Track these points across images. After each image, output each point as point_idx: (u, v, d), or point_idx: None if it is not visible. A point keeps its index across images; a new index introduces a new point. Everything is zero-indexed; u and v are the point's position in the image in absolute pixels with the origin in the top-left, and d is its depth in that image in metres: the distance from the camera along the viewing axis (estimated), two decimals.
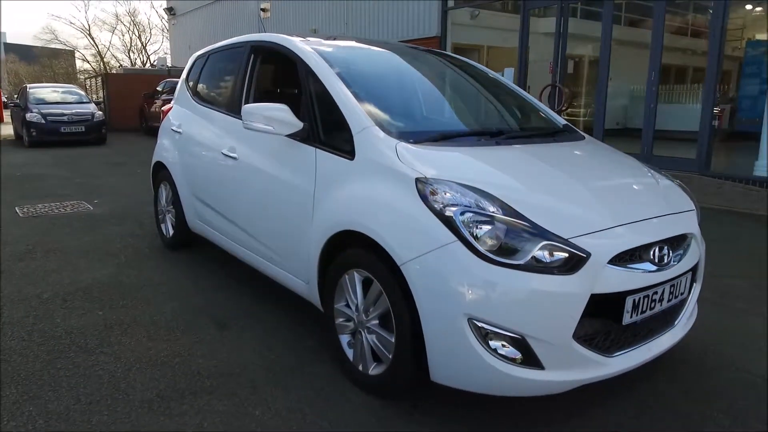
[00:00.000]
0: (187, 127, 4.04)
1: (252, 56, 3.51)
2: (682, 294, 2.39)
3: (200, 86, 4.15)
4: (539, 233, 2.00)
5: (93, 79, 23.75)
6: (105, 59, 41.31)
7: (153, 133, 15.49)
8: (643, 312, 2.17)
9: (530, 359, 2.00)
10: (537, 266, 1.97)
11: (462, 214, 2.04)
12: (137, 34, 50.15)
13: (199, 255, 4.29)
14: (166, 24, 29.44)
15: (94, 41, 49.94)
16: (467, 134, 2.70)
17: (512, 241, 2.00)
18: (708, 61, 7.18)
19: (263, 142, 3.07)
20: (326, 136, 2.69)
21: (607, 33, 8.36)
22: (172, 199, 4.29)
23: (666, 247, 2.25)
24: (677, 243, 2.34)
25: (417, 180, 2.18)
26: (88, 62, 42.73)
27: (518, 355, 2.00)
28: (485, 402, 2.24)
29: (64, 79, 36.28)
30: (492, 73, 3.66)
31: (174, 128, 4.20)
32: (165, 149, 4.37)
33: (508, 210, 2.05)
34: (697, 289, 2.55)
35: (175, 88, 14.08)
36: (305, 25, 14.60)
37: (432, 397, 2.36)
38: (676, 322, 2.43)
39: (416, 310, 2.10)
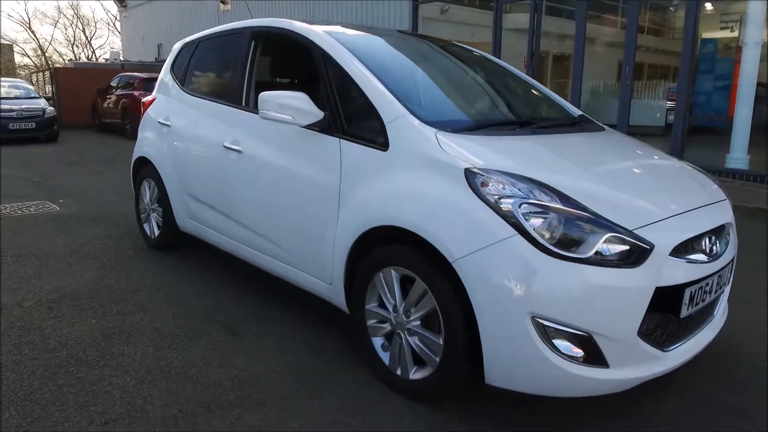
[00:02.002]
0: (178, 119, 3.77)
1: (253, 43, 3.29)
2: (725, 285, 2.36)
3: (191, 76, 3.88)
4: (603, 225, 1.90)
5: (38, 74, 22.51)
6: (47, 54, 39.33)
7: (107, 129, 14.86)
8: (697, 304, 2.11)
9: (595, 357, 1.90)
10: (602, 260, 1.87)
11: (520, 205, 1.93)
12: (81, 28, 48.08)
13: (190, 256, 4.02)
14: (113, 17, 28.22)
15: (34, 35, 47.42)
16: (500, 123, 2.58)
17: (575, 234, 1.89)
18: (681, 59, 7.35)
19: (274, 133, 2.87)
20: (351, 125, 2.51)
21: (581, 30, 8.45)
22: (158, 196, 4.01)
23: (714, 238, 2.20)
24: (720, 233, 2.30)
25: (467, 171, 2.04)
26: (28, 57, 40.61)
27: (582, 354, 1.90)
28: (535, 403, 2.13)
29: (4, 74, 34.31)
30: (506, 65, 3.56)
31: (161, 121, 3.91)
32: (149, 143, 4.08)
33: (568, 201, 1.94)
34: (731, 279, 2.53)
35: (130, 83, 13.62)
36: None
37: (479, 400, 2.23)
38: (714, 313, 2.39)
39: (471, 310, 1.97)
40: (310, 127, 2.59)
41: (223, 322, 2.93)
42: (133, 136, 4.41)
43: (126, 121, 13.06)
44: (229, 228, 3.26)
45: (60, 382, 2.31)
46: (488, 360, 1.96)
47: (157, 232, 4.13)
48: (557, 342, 1.88)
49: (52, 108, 12.87)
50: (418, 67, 3.06)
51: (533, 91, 3.34)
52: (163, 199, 3.93)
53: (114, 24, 36.61)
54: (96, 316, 2.98)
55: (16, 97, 12.38)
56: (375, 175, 2.33)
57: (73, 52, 39.64)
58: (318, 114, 2.55)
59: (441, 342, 2.09)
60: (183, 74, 3.95)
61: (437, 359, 2.12)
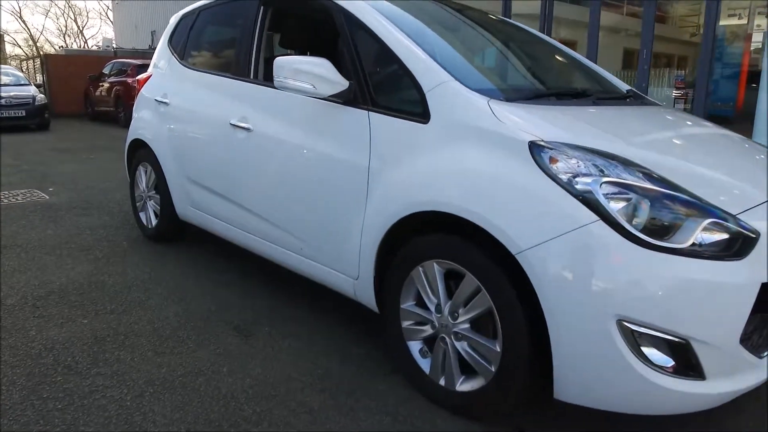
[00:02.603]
0: (177, 96, 3.41)
1: (262, 9, 2.93)
2: None
3: (191, 49, 3.51)
4: (702, 208, 1.57)
5: (28, 62, 21.97)
6: (38, 44, 38.58)
7: (100, 118, 14.40)
8: None
9: (690, 368, 1.58)
10: (701, 250, 1.54)
11: (601, 185, 1.59)
12: (73, 18, 47.28)
13: (192, 248, 3.68)
14: (105, 7, 27.64)
15: (26, 25, 46.48)
16: (555, 94, 2.24)
17: (667, 219, 1.56)
18: (702, 48, 7.06)
19: (289, 107, 2.52)
20: (381, 96, 2.17)
21: (596, 17, 8.11)
22: (156, 183, 3.65)
23: None
24: None
25: (532, 145, 1.71)
26: (19, 47, 39.82)
27: (674, 364, 1.57)
28: (613, 421, 1.81)
29: None
30: (548, 38, 3.22)
31: (158, 99, 3.55)
32: (145, 124, 3.71)
33: (657, 180, 1.61)
34: None
35: (123, 69, 13.14)
36: None
37: (538, 418, 1.91)
38: None
39: (537, 311, 1.64)
40: (333, 98, 2.25)
41: (232, 322, 2.59)
42: (127, 125, 4.05)
43: (119, 108, 12.62)
44: (236, 216, 2.91)
45: (45, 395, 1.97)
46: (559, 371, 1.64)
47: (154, 221, 3.78)
48: (646, 350, 1.56)
49: (42, 95, 12.42)
50: (457, 34, 2.71)
51: (581, 63, 2.99)
52: (161, 185, 3.57)
53: (106, 13, 35.90)
54: (87, 316, 2.63)
55: (4, 84, 11.92)
56: (413, 152, 1.99)
57: (65, 42, 38.91)
58: (343, 83, 2.20)
59: (498, 348, 1.76)
60: (182, 47, 3.58)
61: (492, 369, 1.79)
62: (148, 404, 1.93)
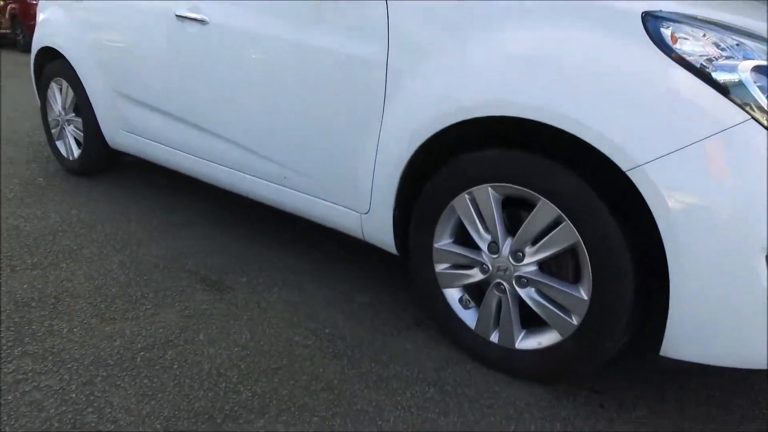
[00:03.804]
0: None
1: None
2: None
3: None
4: None
5: None
6: None
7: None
8: None
9: None
10: None
11: (751, 72, 1.15)
12: None
13: (129, 182, 3.00)
14: None
15: None
16: None
17: None
18: None
19: None
20: None
21: None
22: (76, 102, 2.90)
23: None
24: None
25: (647, 17, 1.22)
26: None
27: None
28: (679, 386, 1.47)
29: None
30: None
31: None
32: (55, 27, 2.90)
33: None
34: None
35: None
36: None
37: (608, 383, 1.54)
38: None
39: (652, 249, 1.23)
40: None
41: (197, 273, 2.04)
42: (28, 50, 3.18)
43: (17, 31, 10.91)
44: (189, 141, 2.29)
45: None
46: (676, 321, 1.24)
47: (76, 151, 3.04)
48: None
49: None
50: None
51: None
52: (83, 105, 2.83)
53: None
54: (1, 274, 1.99)
55: None
56: (460, 35, 1.45)
57: None
58: None
59: (584, 296, 1.34)
60: None
61: (574, 321, 1.38)
62: (102, 395, 1.39)
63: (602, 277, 1.30)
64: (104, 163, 3.05)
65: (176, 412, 1.34)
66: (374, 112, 1.63)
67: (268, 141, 1.97)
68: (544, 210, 1.36)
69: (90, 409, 1.34)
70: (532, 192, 1.37)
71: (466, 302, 1.61)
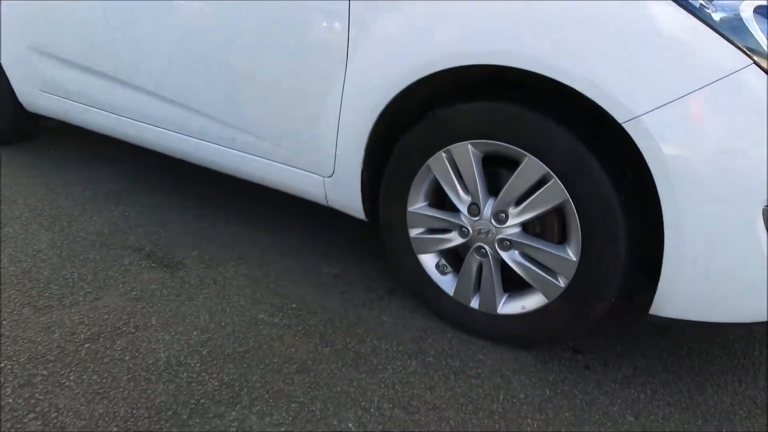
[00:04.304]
0: None
1: None
2: None
3: None
4: None
5: None
6: None
7: None
8: None
9: None
10: None
11: (754, 12, 1.08)
12: None
13: (52, 150, 2.69)
14: None
15: None
16: None
17: None
18: None
19: None
20: None
21: None
22: None
23: None
24: None
25: None
26: None
27: None
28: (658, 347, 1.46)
29: None
30: None
31: None
32: None
33: None
34: None
35: None
36: None
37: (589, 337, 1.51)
38: None
39: (649, 204, 1.17)
40: None
41: (142, 249, 1.84)
42: None
43: None
44: (122, 101, 2.03)
45: None
46: (670, 279, 1.19)
47: None
48: None
49: None
50: None
51: None
52: None
53: None
54: None
55: None
56: None
57: None
58: None
59: (573, 257, 1.27)
60: None
61: (560, 283, 1.31)
62: (44, 397, 1.22)
63: (593, 237, 1.23)
64: (21, 130, 2.71)
65: (134, 411, 1.19)
66: (335, 63, 1.47)
67: (213, 98, 1.77)
68: (530, 168, 1.26)
69: (32, 415, 1.17)
70: (517, 149, 1.27)
71: (443, 268, 1.52)
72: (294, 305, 1.58)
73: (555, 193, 1.25)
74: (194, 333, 1.45)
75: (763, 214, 1.10)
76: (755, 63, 1.05)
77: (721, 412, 1.27)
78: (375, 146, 1.50)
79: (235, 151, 1.81)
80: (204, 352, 1.38)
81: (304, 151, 1.64)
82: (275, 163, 1.72)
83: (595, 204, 1.21)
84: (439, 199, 1.49)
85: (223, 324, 1.49)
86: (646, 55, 1.09)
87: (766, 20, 1.08)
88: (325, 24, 1.46)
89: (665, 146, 1.09)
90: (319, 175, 1.65)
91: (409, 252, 1.53)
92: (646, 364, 1.42)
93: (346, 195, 1.61)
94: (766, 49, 1.06)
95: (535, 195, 1.28)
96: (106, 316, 1.49)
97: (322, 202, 1.71)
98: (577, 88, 1.14)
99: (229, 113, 1.75)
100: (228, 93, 1.72)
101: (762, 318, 1.20)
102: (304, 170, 1.68)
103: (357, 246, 1.93)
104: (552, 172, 1.24)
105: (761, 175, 1.07)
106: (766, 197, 1.08)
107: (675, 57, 1.08)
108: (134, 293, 1.61)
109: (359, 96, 1.45)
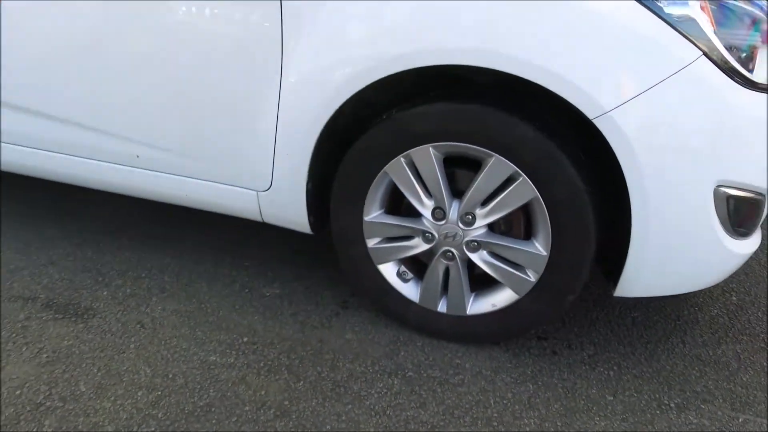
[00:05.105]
0: None
1: None
2: None
3: None
4: None
5: None
6: None
7: None
8: None
9: (745, 225, 1.35)
10: None
11: (701, 6, 1.14)
12: None
13: None
14: None
15: None
16: None
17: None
18: None
19: None
20: None
21: None
22: None
23: None
24: None
25: None
26: None
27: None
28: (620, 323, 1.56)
29: None
30: None
31: None
32: None
33: None
34: None
35: None
36: None
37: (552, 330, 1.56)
38: None
39: (616, 194, 1.21)
40: None
41: (35, 297, 1.54)
42: None
43: None
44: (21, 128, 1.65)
45: None
46: (635, 262, 1.25)
47: None
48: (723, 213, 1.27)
49: None
50: None
51: None
52: None
53: None
54: None
55: None
56: None
57: None
58: None
59: (543, 251, 1.28)
60: None
61: (531, 278, 1.32)
62: None
63: (563, 231, 1.25)
64: None
65: None
66: (269, 63, 1.31)
67: (103, 107, 1.50)
68: (498, 167, 1.24)
69: None
70: (482, 149, 1.23)
71: (403, 275, 1.46)
72: (245, 339, 1.42)
73: (524, 191, 1.24)
74: (139, 393, 1.24)
75: (714, 194, 1.19)
76: (704, 54, 1.12)
77: (678, 375, 1.38)
78: (319, 153, 1.38)
79: (140, 170, 1.57)
80: (160, 415, 1.18)
81: (232, 165, 1.46)
82: (215, 184, 1.52)
83: (566, 199, 1.22)
84: (393, 205, 1.42)
85: (170, 376, 1.29)
86: (608, 51, 1.11)
87: (715, 9, 1.14)
88: (250, 18, 1.29)
89: (634, 139, 1.13)
90: (252, 189, 1.49)
91: (367, 263, 1.45)
92: (603, 340, 1.49)
93: (288, 209, 1.47)
94: (712, 39, 1.12)
95: (503, 194, 1.26)
96: (18, 392, 1.22)
97: (256, 218, 1.55)
98: (549, 87, 1.12)
99: (129, 126, 1.50)
100: (125, 99, 1.47)
101: (712, 284, 1.32)
102: (232, 185, 1.50)
103: (291, 260, 1.79)
104: (520, 171, 1.23)
105: (716, 157, 1.15)
106: (719, 177, 1.17)
107: (637, 52, 1.11)
108: (45, 356, 1.33)
109: (299, 102, 1.31)
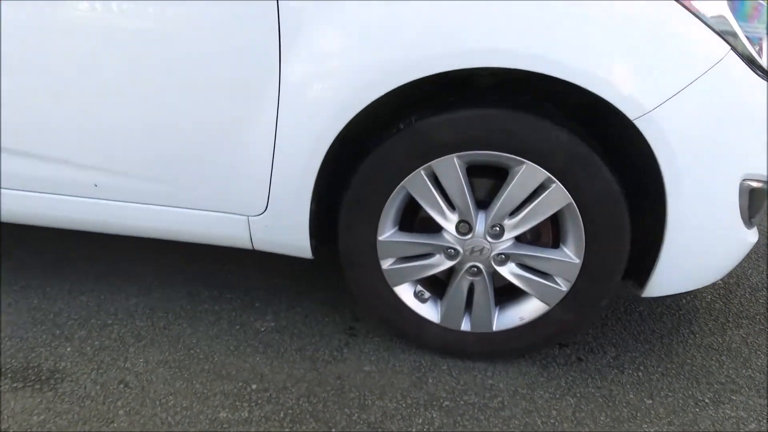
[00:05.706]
0: None
1: None
2: None
3: None
4: None
5: None
6: None
7: None
8: None
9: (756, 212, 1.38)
10: None
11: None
12: None
13: None
14: None
15: None
16: None
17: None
18: None
19: None
20: None
21: None
22: None
23: None
24: None
25: None
26: None
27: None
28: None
29: None
30: None
31: None
32: None
33: None
34: None
35: None
36: None
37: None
38: None
39: (654, 193, 1.17)
40: None
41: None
42: None
43: None
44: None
45: None
46: (667, 260, 1.22)
47: None
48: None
49: None
50: None
51: None
52: None
53: None
54: None
55: None
56: None
57: None
58: None
59: (575, 258, 1.22)
60: None
61: (563, 287, 1.26)
62: None
63: (597, 237, 1.20)
64: None
65: None
66: (265, 79, 1.15)
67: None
68: (529, 174, 1.16)
69: None
70: (513, 156, 1.15)
71: (420, 294, 1.35)
72: (254, 386, 1.25)
73: (557, 198, 1.17)
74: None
75: (740, 187, 1.19)
76: (732, 49, 1.10)
77: (700, 368, 1.38)
78: (325, 171, 1.24)
79: (105, 201, 1.34)
80: None
81: (219, 189, 1.28)
82: (205, 212, 1.32)
83: (602, 204, 1.17)
84: (409, 222, 1.31)
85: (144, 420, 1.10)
86: (649, 50, 1.06)
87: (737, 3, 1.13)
88: (244, 29, 1.12)
89: (673, 139, 1.09)
90: (241, 214, 1.31)
91: (381, 285, 1.32)
92: (620, 340, 1.47)
93: (286, 233, 1.31)
94: (739, 34, 1.11)
95: (534, 203, 1.19)
96: None
97: (246, 246, 1.37)
98: (592, 90, 1.06)
99: (90, 150, 1.27)
100: (85, 118, 1.24)
101: (722, 275, 1.33)
102: (218, 211, 1.32)
103: (278, 285, 1.62)
104: (553, 177, 1.16)
105: (744, 151, 1.15)
106: (745, 171, 1.17)
107: (673, 50, 1.07)
108: None
109: (304, 117, 1.16)
